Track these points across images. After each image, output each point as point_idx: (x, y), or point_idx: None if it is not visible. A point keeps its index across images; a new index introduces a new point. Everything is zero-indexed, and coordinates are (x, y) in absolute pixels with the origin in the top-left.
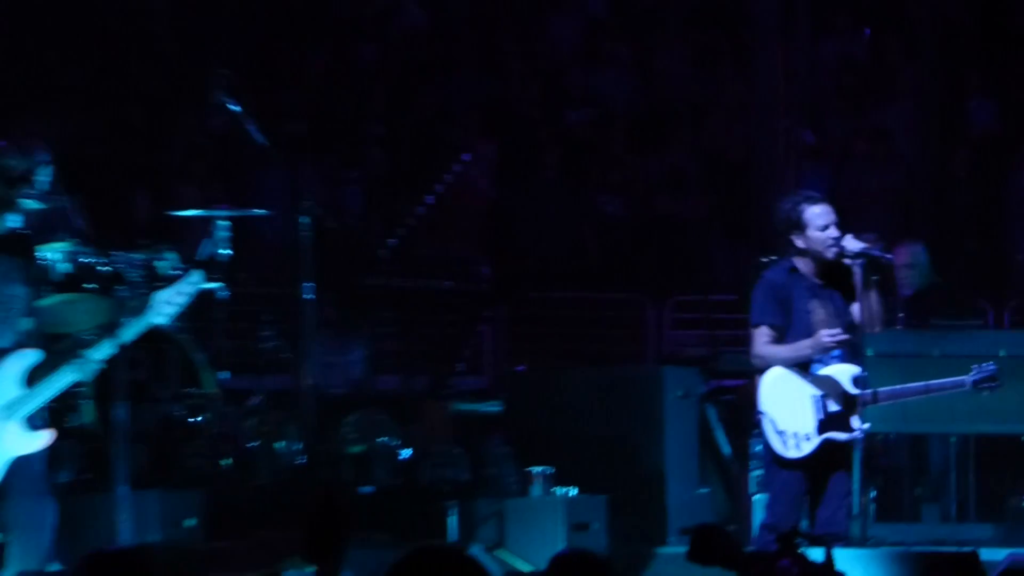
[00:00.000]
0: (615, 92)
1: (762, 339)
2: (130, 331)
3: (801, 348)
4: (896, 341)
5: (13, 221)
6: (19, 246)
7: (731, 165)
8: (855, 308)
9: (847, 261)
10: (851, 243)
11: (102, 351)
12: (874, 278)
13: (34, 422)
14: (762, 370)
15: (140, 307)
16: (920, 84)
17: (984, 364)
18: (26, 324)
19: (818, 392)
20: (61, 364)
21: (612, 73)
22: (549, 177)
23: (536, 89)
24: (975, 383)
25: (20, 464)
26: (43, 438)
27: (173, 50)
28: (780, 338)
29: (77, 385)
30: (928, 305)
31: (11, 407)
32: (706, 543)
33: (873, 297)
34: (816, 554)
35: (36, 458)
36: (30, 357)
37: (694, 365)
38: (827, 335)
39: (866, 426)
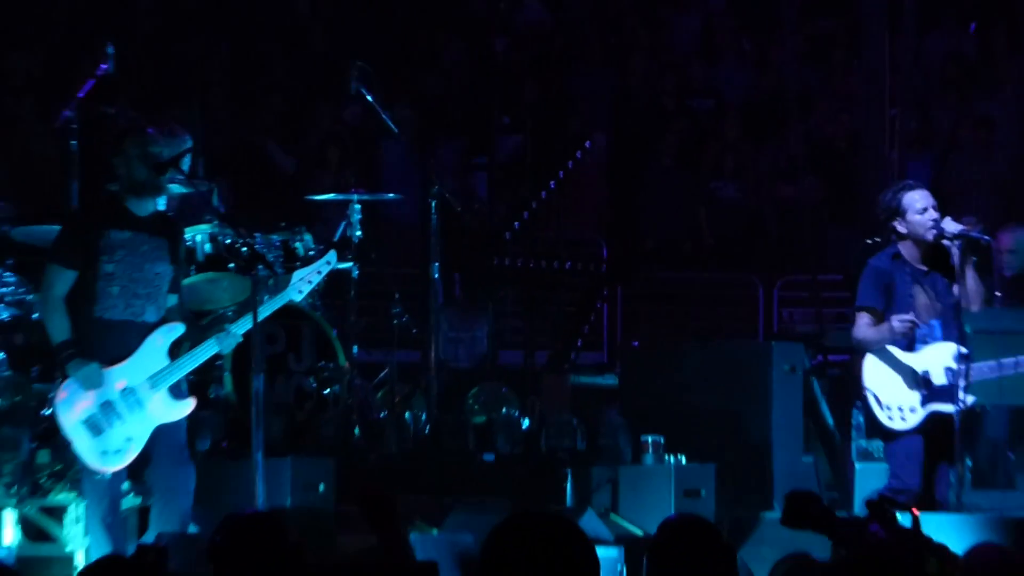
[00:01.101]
0: (731, 83)
1: (862, 322)
2: (268, 307)
3: (883, 331)
4: (994, 319)
5: (161, 204)
6: (165, 227)
7: (840, 152)
8: (956, 290)
9: (946, 243)
10: (950, 225)
11: (242, 326)
12: (972, 259)
13: (178, 392)
14: (861, 350)
15: (279, 285)
16: (1021, 76)
17: None
18: (172, 301)
19: (923, 367)
20: (203, 338)
21: (729, 65)
22: (666, 164)
23: (656, 80)
24: None
25: (164, 431)
26: (186, 407)
27: (314, 44)
28: (879, 322)
29: (217, 358)
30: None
31: (156, 378)
32: (799, 509)
33: (970, 277)
34: (904, 519)
35: (179, 426)
36: (175, 331)
37: (801, 341)
38: (897, 320)
39: (970, 399)
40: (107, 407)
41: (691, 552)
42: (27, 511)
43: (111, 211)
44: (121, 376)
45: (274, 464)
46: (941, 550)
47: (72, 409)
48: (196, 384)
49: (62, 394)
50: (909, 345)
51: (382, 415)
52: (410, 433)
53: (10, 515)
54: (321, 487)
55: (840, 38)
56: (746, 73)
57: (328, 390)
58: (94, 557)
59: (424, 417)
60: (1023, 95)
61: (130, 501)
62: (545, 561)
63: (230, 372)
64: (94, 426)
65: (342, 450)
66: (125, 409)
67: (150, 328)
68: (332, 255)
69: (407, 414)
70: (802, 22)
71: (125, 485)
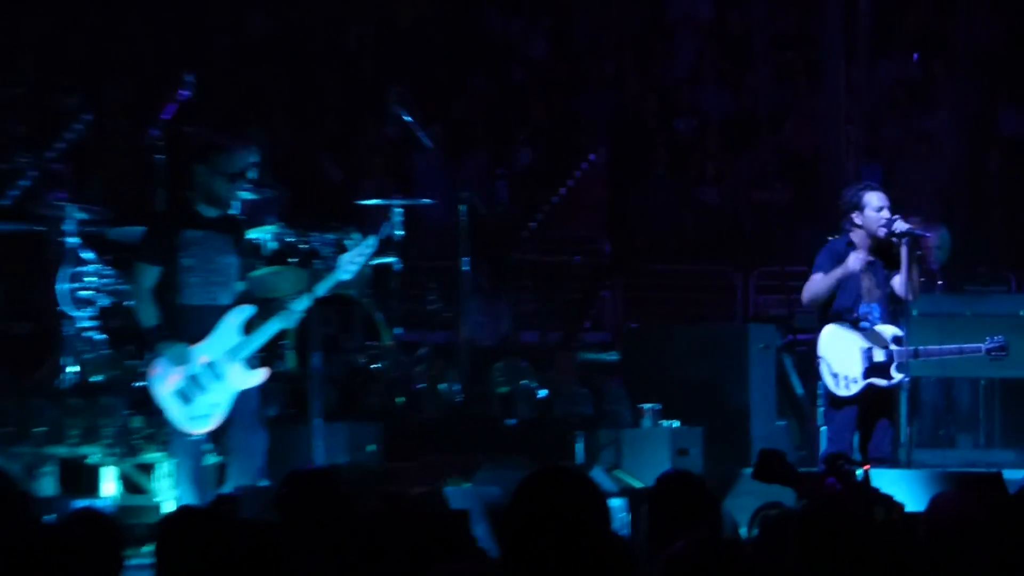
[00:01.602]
0: (712, 104)
1: (813, 278)
2: (323, 286)
3: (833, 274)
4: (936, 303)
5: (234, 209)
6: (230, 225)
7: (804, 162)
8: (895, 281)
9: (895, 240)
10: (900, 224)
11: (302, 304)
12: (917, 253)
13: (251, 363)
14: (813, 311)
15: (330, 267)
16: (959, 97)
17: (995, 336)
18: (240, 287)
19: (866, 344)
20: (270, 316)
21: (710, 88)
22: (658, 173)
23: (647, 102)
24: (988, 351)
25: (241, 398)
26: (259, 376)
27: (362, 72)
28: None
29: (282, 337)
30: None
31: (233, 351)
32: (767, 465)
33: (915, 271)
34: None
35: (253, 393)
36: (246, 311)
37: (773, 323)
38: (854, 255)
39: (901, 376)
40: (194, 379)
41: (683, 501)
42: (124, 468)
43: (185, 214)
44: (203, 352)
45: (331, 428)
46: (887, 500)
47: (165, 382)
48: (263, 360)
49: (155, 370)
50: (854, 322)
51: (421, 386)
52: (444, 401)
53: (110, 471)
54: (371, 447)
55: (804, 66)
56: (725, 95)
57: (375, 365)
58: None
59: (456, 388)
60: (958, 114)
61: (211, 459)
62: (565, 508)
63: (293, 350)
64: (184, 396)
65: (387, 416)
66: (209, 380)
67: (225, 310)
68: (372, 239)
69: (442, 385)
70: (772, 52)
71: (207, 445)
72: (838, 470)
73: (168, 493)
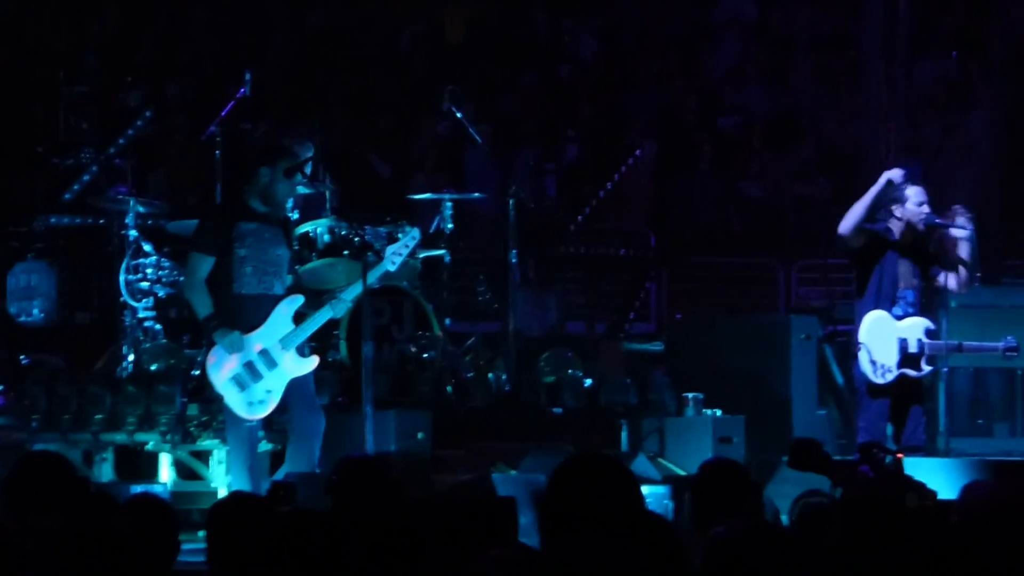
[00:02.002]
0: (756, 101)
1: None
2: (371, 276)
3: (869, 192)
4: (975, 296)
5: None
6: (282, 220)
7: (845, 157)
8: (945, 276)
9: (954, 232)
10: (936, 218)
11: (350, 293)
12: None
13: (303, 351)
14: (852, 297)
15: (378, 259)
16: (995, 95)
17: (1008, 338)
18: (290, 279)
19: (903, 335)
20: (320, 305)
21: (754, 86)
22: (703, 168)
23: (694, 100)
24: (1003, 351)
25: (297, 384)
26: (312, 363)
27: (414, 72)
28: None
29: (334, 327)
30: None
31: (286, 339)
32: (803, 453)
33: (962, 267)
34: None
35: (308, 379)
36: (297, 301)
37: (815, 314)
38: (890, 173)
39: (930, 368)
40: (249, 366)
41: (726, 489)
42: (179, 455)
43: (239, 208)
44: (258, 340)
45: (381, 416)
46: (919, 487)
47: (221, 370)
48: (316, 350)
49: (211, 359)
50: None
51: (470, 375)
52: (493, 390)
53: (166, 458)
54: (420, 435)
55: (845, 65)
56: (768, 94)
57: (425, 355)
58: None
59: (504, 377)
60: (995, 111)
61: (264, 446)
62: (598, 492)
63: (345, 340)
64: (240, 383)
65: (437, 404)
66: (263, 367)
67: (278, 299)
68: (416, 231)
69: (490, 375)
70: (813, 52)
71: (260, 433)
72: (871, 458)
73: (222, 479)
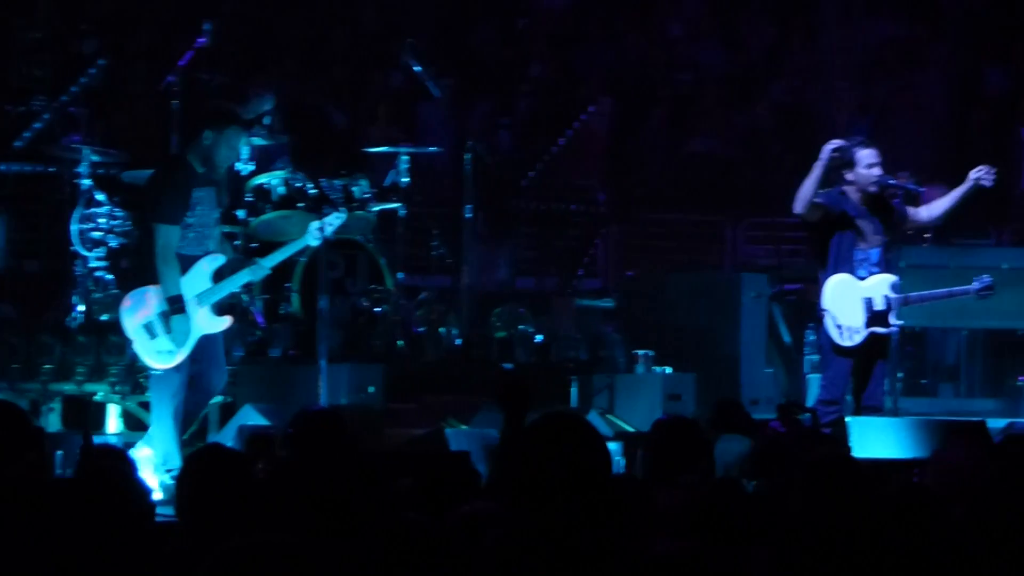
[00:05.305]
0: (710, 59)
1: None
2: (289, 250)
3: (812, 171)
4: (923, 255)
5: (244, 154)
6: (216, 180)
7: (798, 116)
8: (925, 210)
9: (889, 192)
10: (889, 179)
11: (271, 260)
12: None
13: (218, 309)
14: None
15: (334, 211)
16: (946, 55)
17: (983, 276)
18: (214, 241)
19: (867, 294)
20: (241, 267)
21: (708, 44)
22: (655, 125)
23: (649, 56)
24: (977, 291)
25: (208, 340)
26: (225, 322)
27: (367, 22)
28: (816, 211)
29: (287, 280)
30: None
31: (203, 295)
32: (725, 414)
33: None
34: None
35: (219, 337)
36: (217, 260)
37: (764, 272)
38: (827, 146)
39: (900, 322)
40: (164, 316)
41: (680, 446)
42: (128, 405)
43: (190, 173)
44: None
45: (333, 369)
46: (831, 441)
47: (135, 315)
48: (269, 302)
49: (127, 303)
50: (850, 269)
51: (422, 330)
52: (444, 345)
53: (114, 409)
54: (372, 389)
55: (799, 24)
56: (722, 51)
57: (378, 308)
58: (157, 446)
59: (456, 332)
60: (943, 71)
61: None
62: (568, 453)
63: (297, 292)
64: (151, 330)
65: (389, 358)
66: (176, 320)
67: (198, 258)
68: (343, 212)
69: (442, 329)
70: (769, 11)
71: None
72: (786, 416)
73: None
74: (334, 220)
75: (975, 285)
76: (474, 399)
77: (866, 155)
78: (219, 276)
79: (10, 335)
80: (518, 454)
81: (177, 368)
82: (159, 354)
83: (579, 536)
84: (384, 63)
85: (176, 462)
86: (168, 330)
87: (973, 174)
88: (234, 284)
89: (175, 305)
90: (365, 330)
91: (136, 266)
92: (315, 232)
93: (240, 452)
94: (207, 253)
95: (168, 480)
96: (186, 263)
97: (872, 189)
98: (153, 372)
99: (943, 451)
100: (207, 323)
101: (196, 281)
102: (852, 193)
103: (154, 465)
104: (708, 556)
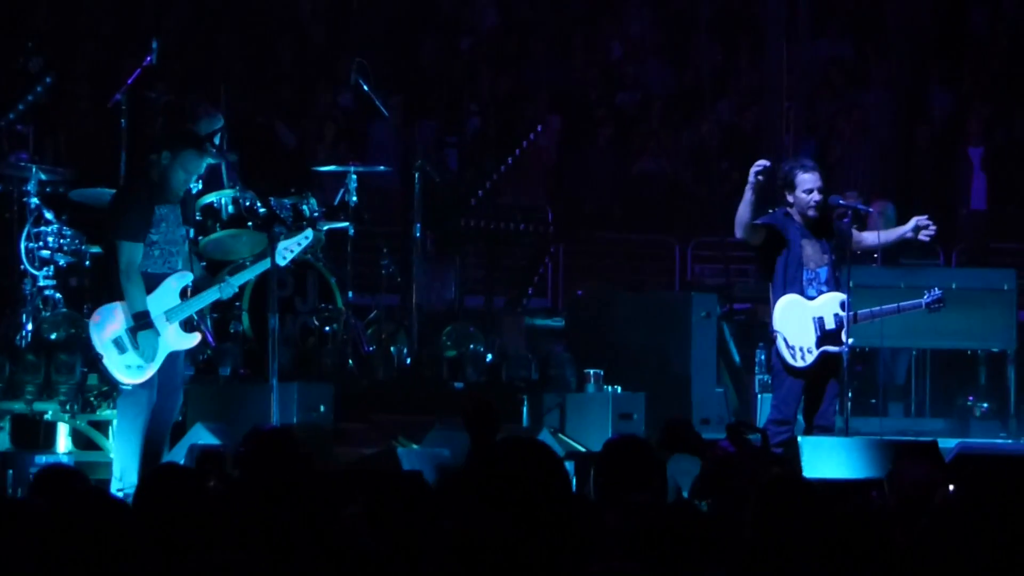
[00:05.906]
0: (656, 79)
1: None
2: (256, 270)
3: (744, 196)
4: (872, 275)
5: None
6: (180, 199)
7: (744, 136)
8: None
9: (838, 212)
10: (837, 200)
11: (240, 279)
12: (855, 227)
13: (187, 326)
14: (761, 280)
15: (285, 231)
16: (891, 77)
17: (934, 290)
18: (183, 259)
19: (817, 313)
20: (209, 285)
21: (655, 64)
22: (602, 145)
23: (594, 75)
24: (927, 304)
25: (172, 357)
26: (194, 339)
27: (314, 40)
28: (758, 233)
29: (237, 299)
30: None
31: (171, 312)
32: (674, 435)
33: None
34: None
35: (182, 355)
36: (185, 278)
37: (713, 292)
38: (754, 167)
39: (851, 341)
40: (132, 332)
41: (631, 466)
42: (78, 424)
43: (153, 190)
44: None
45: (283, 388)
46: (782, 460)
47: (104, 330)
48: (218, 321)
49: (96, 318)
50: (800, 286)
51: (372, 349)
52: (395, 364)
53: (64, 428)
54: (322, 408)
55: (745, 44)
56: (669, 72)
57: (328, 327)
58: (122, 465)
59: (406, 351)
60: (889, 91)
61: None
62: (529, 477)
63: (247, 311)
64: (120, 346)
65: (339, 377)
66: (145, 336)
67: (166, 276)
68: (309, 232)
69: (392, 348)
70: (715, 31)
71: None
72: (736, 436)
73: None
74: (302, 240)
75: (926, 298)
76: (425, 418)
77: (805, 180)
78: (187, 293)
79: None
80: (484, 476)
81: (145, 385)
82: (128, 369)
83: (528, 555)
84: (332, 81)
85: (132, 479)
86: (136, 345)
87: (919, 221)
88: (203, 301)
89: (141, 321)
90: (315, 349)
91: (99, 284)
92: (283, 252)
93: (195, 471)
94: (173, 271)
95: (119, 496)
96: (153, 281)
97: (811, 214)
98: (123, 387)
99: (898, 471)
100: (176, 340)
101: (164, 298)
102: (795, 214)
103: (111, 480)
104: None
